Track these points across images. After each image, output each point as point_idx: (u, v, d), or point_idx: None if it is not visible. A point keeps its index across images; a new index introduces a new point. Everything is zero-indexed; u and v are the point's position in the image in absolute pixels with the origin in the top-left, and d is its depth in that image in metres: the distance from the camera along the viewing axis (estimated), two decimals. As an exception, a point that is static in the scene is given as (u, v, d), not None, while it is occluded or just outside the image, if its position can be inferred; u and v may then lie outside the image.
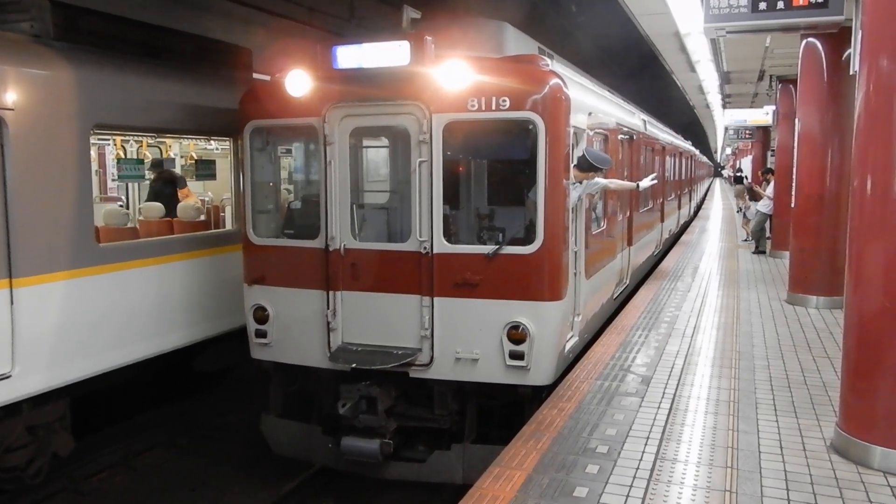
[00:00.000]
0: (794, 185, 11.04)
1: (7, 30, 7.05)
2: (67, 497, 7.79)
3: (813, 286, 10.61)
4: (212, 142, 11.74)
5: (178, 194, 10.53)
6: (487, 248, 6.63)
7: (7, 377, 6.37)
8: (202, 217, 10.05)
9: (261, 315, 7.41)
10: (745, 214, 19.86)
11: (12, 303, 6.37)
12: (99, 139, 12.32)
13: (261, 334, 7.44)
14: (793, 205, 11.13)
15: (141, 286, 7.77)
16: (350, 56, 6.62)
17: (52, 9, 7.20)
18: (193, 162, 12.15)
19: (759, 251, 16.57)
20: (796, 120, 11.14)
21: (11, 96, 6.36)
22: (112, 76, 7.59)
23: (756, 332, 8.91)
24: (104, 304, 7.33)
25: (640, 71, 25.09)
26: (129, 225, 9.68)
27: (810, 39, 10.35)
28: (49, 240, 6.75)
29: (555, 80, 6.59)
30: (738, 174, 36.54)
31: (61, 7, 7.35)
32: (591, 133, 7.94)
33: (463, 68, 6.38)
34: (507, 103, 6.44)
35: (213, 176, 11.94)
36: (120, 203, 11.67)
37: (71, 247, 6.95)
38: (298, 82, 6.91)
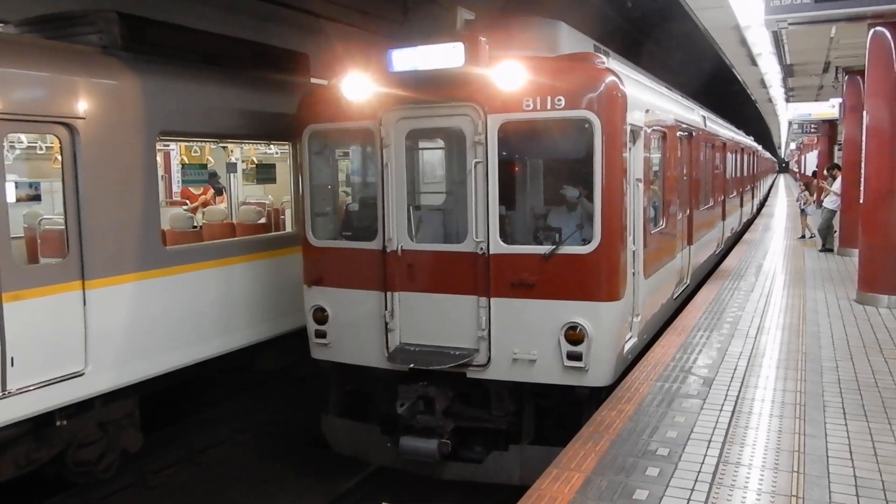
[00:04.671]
0: (862, 180, 10.66)
1: (77, 42, 7.35)
2: (136, 491, 8.07)
3: (884, 285, 10.23)
4: (271, 146, 11.97)
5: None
6: (544, 249, 6.60)
7: (80, 375, 6.64)
8: (263, 220, 10.27)
9: (320, 316, 7.54)
10: (803, 210, 19.29)
11: (85, 304, 6.65)
12: (164, 145, 12.71)
13: (320, 335, 7.57)
14: (861, 200, 10.74)
15: (205, 287, 7.99)
16: (405, 59, 6.68)
17: (119, 21, 7.47)
18: (254, 166, 12.43)
19: (826, 249, 16.05)
20: (864, 112, 10.75)
21: (83, 106, 6.64)
22: (176, 85, 7.83)
23: (823, 333, 8.63)
24: (170, 304, 7.56)
25: (698, 66, 24.60)
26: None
27: (878, 28, 9.97)
28: (118, 243, 7.00)
29: (611, 78, 6.52)
30: (816, 171, 35.42)
31: (128, 19, 7.62)
32: (649, 130, 7.82)
33: (517, 68, 6.36)
34: (563, 102, 6.40)
35: (273, 179, 12.19)
36: (185, 207, 12.01)
37: (139, 250, 7.20)
38: (355, 86, 7.00)
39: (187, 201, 12.87)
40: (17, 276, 6.19)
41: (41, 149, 9.40)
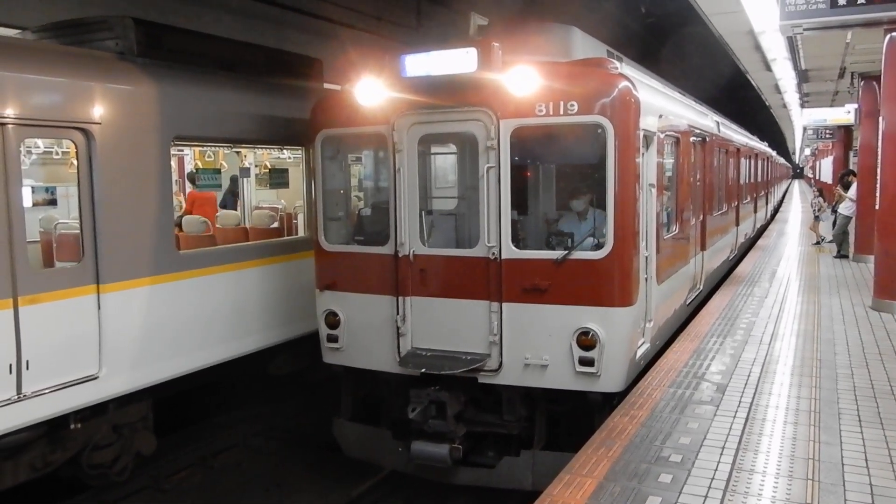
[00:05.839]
0: (878, 186, 10.59)
1: (94, 48, 7.43)
2: (150, 494, 8.10)
3: (900, 292, 10.13)
4: (285, 151, 12.03)
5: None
6: (556, 254, 6.59)
7: (94, 378, 6.69)
8: (276, 224, 10.31)
9: (332, 320, 7.56)
10: (817, 216, 19.17)
11: (99, 307, 6.70)
12: (178, 150, 12.80)
13: (332, 339, 7.58)
14: (877, 206, 10.66)
15: (218, 291, 8.03)
16: (418, 64, 6.70)
17: (136, 27, 7.54)
18: (267, 170, 12.48)
19: (841, 255, 15.94)
20: (880, 118, 10.67)
21: (98, 111, 6.70)
22: (190, 90, 7.89)
23: (839, 340, 8.56)
24: (184, 308, 7.60)
25: (712, 71, 24.51)
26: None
27: (895, 34, 9.90)
28: (133, 247, 7.05)
29: (623, 84, 6.51)
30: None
31: (144, 25, 7.69)
32: (662, 136, 7.80)
33: (530, 74, 6.36)
34: (576, 107, 6.40)
35: (285, 184, 12.25)
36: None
37: (153, 254, 7.25)
38: (368, 91, 7.02)
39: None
40: (32, 280, 6.25)
41: (57, 153, 9.50)
